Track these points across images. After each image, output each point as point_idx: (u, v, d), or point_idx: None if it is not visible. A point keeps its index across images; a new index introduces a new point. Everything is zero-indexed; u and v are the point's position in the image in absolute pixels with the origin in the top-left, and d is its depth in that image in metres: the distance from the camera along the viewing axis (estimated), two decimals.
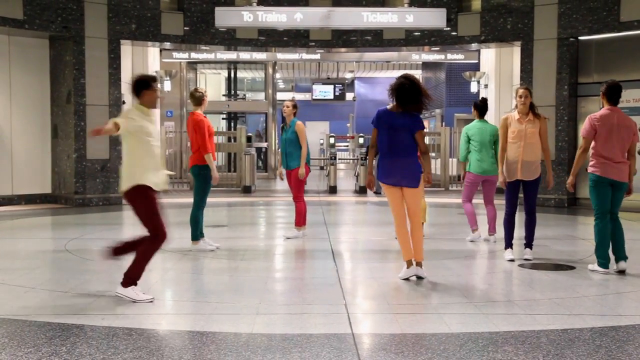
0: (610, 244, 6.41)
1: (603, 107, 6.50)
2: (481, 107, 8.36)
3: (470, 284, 6.18)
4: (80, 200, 12.76)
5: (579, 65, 12.98)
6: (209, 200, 7.64)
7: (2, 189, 12.65)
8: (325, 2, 14.11)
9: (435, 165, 18.02)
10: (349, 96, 27.00)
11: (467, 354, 3.92)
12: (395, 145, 5.91)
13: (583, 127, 6.52)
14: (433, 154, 18.17)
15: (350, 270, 6.94)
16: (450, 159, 17.02)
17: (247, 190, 15.90)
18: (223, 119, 23.60)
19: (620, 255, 6.39)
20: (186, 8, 14.02)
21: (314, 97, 22.82)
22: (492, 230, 8.27)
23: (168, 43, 14.52)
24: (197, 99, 7.51)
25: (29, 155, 13.00)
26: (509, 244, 7.06)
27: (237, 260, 7.19)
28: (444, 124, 20.79)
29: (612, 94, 6.41)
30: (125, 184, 5.21)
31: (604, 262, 6.35)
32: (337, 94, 22.97)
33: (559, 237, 8.76)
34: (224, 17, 12.20)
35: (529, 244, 7.01)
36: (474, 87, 17.28)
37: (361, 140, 19.43)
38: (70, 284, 5.81)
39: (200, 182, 7.47)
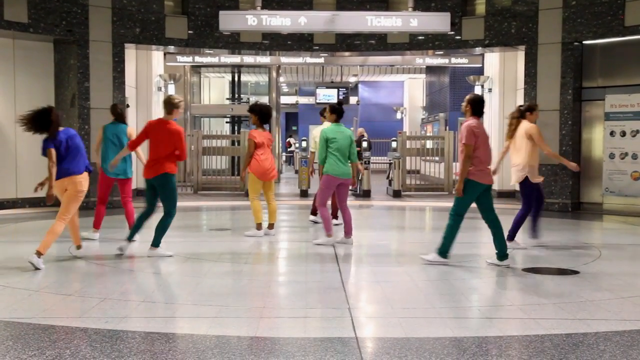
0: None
1: (467, 118, 6.95)
2: (340, 110, 8.48)
3: (474, 288, 6.17)
4: (84, 204, 12.71)
5: (583, 70, 12.96)
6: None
7: (6, 192, 12.68)
8: (330, 6, 14.13)
9: (439, 169, 18.02)
10: (353, 100, 27.02)
11: (471, 358, 3.91)
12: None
13: (465, 135, 6.78)
14: (436, 158, 18.17)
15: (354, 274, 6.94)
16: (454, 163, 17.00)
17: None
18: (227, 122, 23.64)
19: (505, 252, 6.90)
20: (190, 12, 14.06)
21: (317, 101, 22.81)
22: (350, 233, 8.37)
23: (172, 47, 14.53)
24: (175, 105, 7.47)
25: (33, 158, 12.95)
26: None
27: (240, 264, 7.19)
28: (447, 127, 20.78)
29: (480, 107, 6.95)
30: None
31: (447, 254, 6.93)
32: (340, 97, 22.97)
33: (562, 242, 8.74)
34: (228, 21, 12.21)
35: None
36: (477, 91, 17.26)
37: (365, 144, 19.38)
38: (74, 287, 5.82)
39: (173, 189, 7.37)
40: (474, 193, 6.82)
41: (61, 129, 7.13)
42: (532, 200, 8.01)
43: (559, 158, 8.50)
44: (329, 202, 8.83)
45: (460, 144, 6.85)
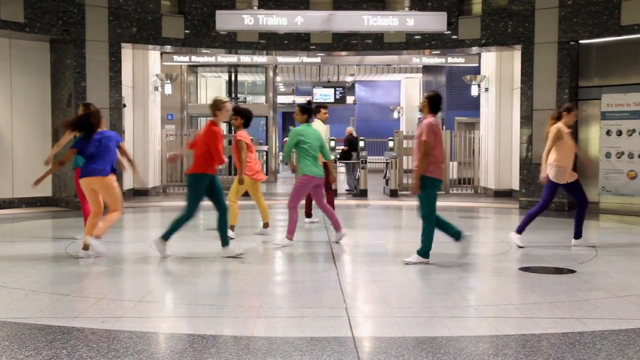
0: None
1: (426, 116, 7.02)
2: (310, 110, 8.50)
3: (470, 287, 6.18)
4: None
5: (579, 69, 12.98)
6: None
7: (2, 192, 12.66)
8: (326, 5, 14.12)
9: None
10: (350, 99, 27.02)
11: (468, 357, 3.92)
12: None
13: (426, 133, 6.82)
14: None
15: (351, 273, 6.94)
16: (451, 163, 17.03)
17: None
18: (224, 122, 23.60)
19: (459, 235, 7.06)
20: (187, 11, 14.04)
21: (314, 101, 22.83)
22: (339, 227, 8.47)
23: (169, 46, 14.52)
24: (217, 106, 7.42)
25: (29, 158, 12.98)
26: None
27: (237, 264, 7.18)
28: (444, 127, 20.80)
29: (438, 104, 7.01)
30: None
31: (428, 254, 7.00)
32: (337, 97, 22.95)
33: (559, 241, 8.75)
34: (225, 21, 12.20)
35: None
36: (474, 91, 17.29)
37: (361, 144, 19.39)
38: (70, 287, 5.81)
39: (197, 192, 7.22)
40: (434, 188, 6.91)
41: (105, 129, 7.60)
42: (548, 199, 8.05)
43: (542, 162, 8.29)
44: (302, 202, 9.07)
45: (419, 140, 6.87)
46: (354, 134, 18.19)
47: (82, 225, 8.62)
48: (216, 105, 7.42)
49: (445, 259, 7.33)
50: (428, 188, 6.86)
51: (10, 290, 5.68)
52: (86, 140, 7.35)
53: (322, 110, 10.04)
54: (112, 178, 7.39)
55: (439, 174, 6.91)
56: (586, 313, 4.98)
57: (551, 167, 8.01)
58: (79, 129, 7.47)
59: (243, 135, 8.70)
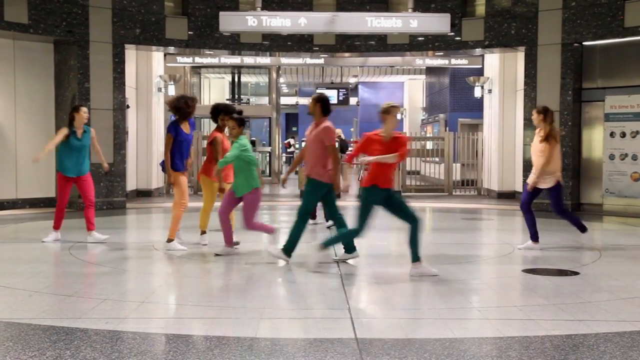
0: None
1: (320, 119, 6.98)
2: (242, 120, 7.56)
3: (474, 289, 6.17)
4: (83, 205, 12.75)
5: (583, 71, 12.97)
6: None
7: (6, 193, 12.68)
8: (330, 7, 14.13)
9: (439, 170, 18.03)
10: (353, 101, 27.00)
11: (471, 359, 3.91)
12: None
13: (330, 137, 6.87)
14: (437, 159, 18.18)
15: (354, 275, 6.93)
16: (454, 164, 17.02)
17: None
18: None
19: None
20: (190, 13, 14.06)
21: None
22: (229, 242, 7.73)
23: (172, 47, 14.54)
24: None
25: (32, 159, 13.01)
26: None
27: (240, 265, 7.18)
28: (447, 128, 20.79)
29: (328, 105, 7.01)
30: None
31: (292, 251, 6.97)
32: (340, 98, 22.99)
33: (562, 243, 8.74)
34: (228, 22, 12.22)
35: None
36: (477, 92, 17.27)
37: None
38: (74, 288, 5.82)
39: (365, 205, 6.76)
40: (321, 192, 6.97)
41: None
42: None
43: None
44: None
45: (320, 145, 6.84)
46: (343, 136, 18.26)
47: (85, 227, 8.64)
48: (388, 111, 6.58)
49: (447, 261, 7.34)
50: (314, 189, 6.94)
51: (14, 291, 5.68)
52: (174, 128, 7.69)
53: None
54: (177, 174, 7.75)
55: (327, 178, 6.91)
56: (590, 315, 4.97)
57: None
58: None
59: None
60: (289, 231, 7.02)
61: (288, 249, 6.99)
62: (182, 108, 7.71)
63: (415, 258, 6.40)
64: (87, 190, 8.56)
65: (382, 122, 6.40)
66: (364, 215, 6.44)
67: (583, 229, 8.12)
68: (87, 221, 8.55)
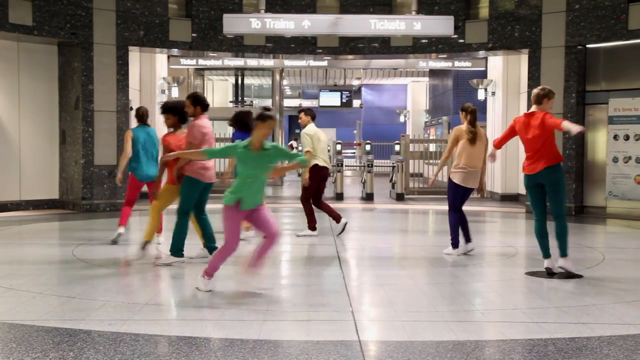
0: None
1: (199, 116, 7.12)
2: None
3: (477, 291, 6.16)
4: (87, 206, 12.80)
5: (586, 73, 12.95)
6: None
7: (9, 195, 12.70)
8: (333, 9, 14.15)
9: (442, 172, 18.00)
10: (356, 103, 27.02)
11: None
12: None
13: (192, 134, 6.98)
14: (439, 161, 18.16)
15: (357, 276, 6.93)
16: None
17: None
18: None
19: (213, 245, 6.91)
20: (194, 15, 14.08)
21: (320, 104, 22.84)
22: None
23: (176, 50, 14.55)
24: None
25: (36, 160, 13.05)
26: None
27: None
28: (451, 131, 20.77)
29: (205, 102, 7.26)
30: None
31: (181, 252, 6.97)
32: (344, 100, 23.00)
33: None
34: (232, 24, 12.22)
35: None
36: (481, 95, 17.27)
37: (367, 147, 19.40)
38: (77, 290, 5.83)
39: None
40: (196, 190, 6.97)
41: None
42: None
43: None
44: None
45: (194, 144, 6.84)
46: (295, 143, 18.30)
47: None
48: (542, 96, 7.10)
49: (450, 263, 7.33)
50: (189, 186, 6.93)
51: (18, 293, 5.69)
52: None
53: (300, 114, 9.58)
54: None
55: (204, 177, 6.95)
56: (593, 318, 4.96)
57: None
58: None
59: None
60: (172, 234, 6.99)
61: (176, 250, 7.00)
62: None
63: (563, 253, 6.55)
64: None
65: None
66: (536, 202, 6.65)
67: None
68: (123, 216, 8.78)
